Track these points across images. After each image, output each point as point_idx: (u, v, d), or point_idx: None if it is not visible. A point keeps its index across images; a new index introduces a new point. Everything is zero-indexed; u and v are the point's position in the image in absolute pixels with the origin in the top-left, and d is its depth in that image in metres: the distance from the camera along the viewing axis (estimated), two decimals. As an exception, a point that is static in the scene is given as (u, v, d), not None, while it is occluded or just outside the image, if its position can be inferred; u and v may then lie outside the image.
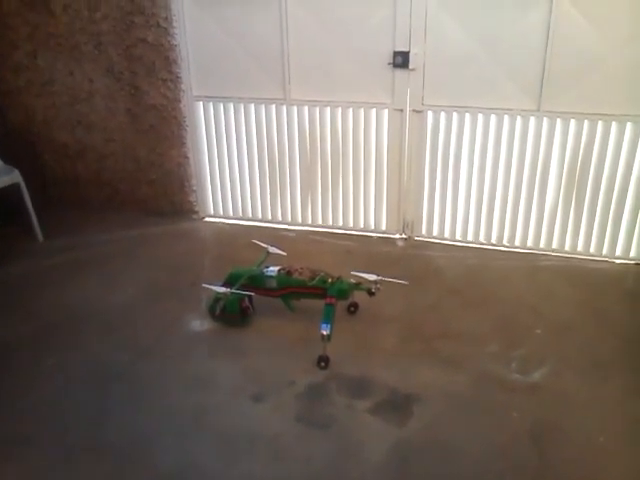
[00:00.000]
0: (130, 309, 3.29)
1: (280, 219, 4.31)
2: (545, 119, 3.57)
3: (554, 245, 3.83)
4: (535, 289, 3.44)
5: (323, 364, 2.74)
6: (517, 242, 3.89)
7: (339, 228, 4.21)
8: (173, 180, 4.36)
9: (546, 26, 3.36)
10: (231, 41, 3.89)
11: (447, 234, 4.01)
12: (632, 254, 3.71)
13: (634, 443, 2.33)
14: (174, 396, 2.63)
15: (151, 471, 2.23)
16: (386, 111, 3.81)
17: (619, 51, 3.32)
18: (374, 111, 3.84)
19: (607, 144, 3.52)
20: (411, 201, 4.00)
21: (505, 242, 3.91)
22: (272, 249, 3.25)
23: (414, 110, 3.76)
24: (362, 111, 3.86)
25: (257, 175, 4.25)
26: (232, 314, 3.04)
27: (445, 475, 2.20)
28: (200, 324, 3.14)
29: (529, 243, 3.87)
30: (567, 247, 3.81)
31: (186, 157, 4.27)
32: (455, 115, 3.71)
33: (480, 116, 3.67)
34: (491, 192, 3.82)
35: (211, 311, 3.10)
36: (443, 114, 3.73)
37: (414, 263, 3.77)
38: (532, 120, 3.59)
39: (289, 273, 3.00)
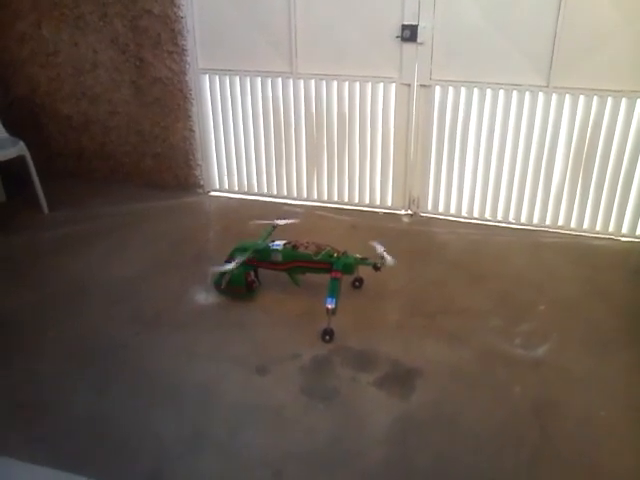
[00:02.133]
0: (134, 282, 3.30)
1: (286, 194, 4.30)
2: (554, 95, 3.54)
3: (560, 222, 3.81)
4: (540, 266, 3.44)
5: (328, 337, 2.76)
6: (523, 219, 3.87)
7: (345, 203, 4.19)
8: (178, 154, 4.34)
9: (557, -1, 3.31)
10: (238, 13, 3.85)
11: (453, 210, 4.00)
12: (638, 232, 3.70)
13: (635, 419, 2.34)
14: (178, 368, 2.64)
15: (155, 441, 2.26)
16: (393, 86, 3.78)
17: (631, 26, 3.27)
18: (381, 85, 3.80)
19: (616, 121, 3.49)
20: (417, 177, 3.99)
21: (511, 219, 3.90)
22: (279, 221, 3.26)
23: (422, 85, 3.73)
24: (369, 85, 3.82)
25: (263, 149, 4.23)
26: (238, 287, 3.05)
27: (446, 449, 2.21)
28: (205, 297, 3.14)
29: (535, 220, 3.86)
30: (573, 224, 3.79)
31: (191, 131, 4.25)
32: (463, 90, 3.67)
33: (488, 91, 3.64)
34: (498, 168, 3.79)
35: (217, 284, 3.11)
36: (451, 89, 3.69)
37: (419, 239, 3.76)
38: (541, 96, 3.56)
39: (295, 247, 3.00)
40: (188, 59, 4.02)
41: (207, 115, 4.24)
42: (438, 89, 3.72)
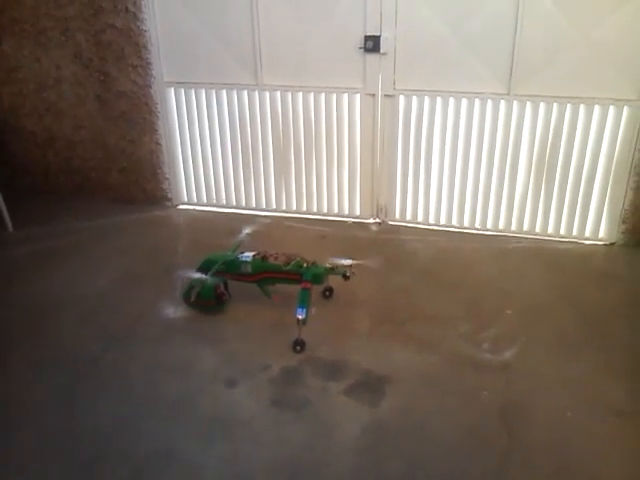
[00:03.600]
0: (104, 297, 3.26)
1: (254, 205, 4.30)
2: (515, 102, 3.61)
3: (525, 227, 3.88)
4: (506, 271, 3.49)
5: (299, 348, 2.76)
6: (489, 225, 3.94)
7: (313, 213, 4.21)
8: (145, 167, 4.32)
9: (515, 10, 3.38)
10: (201, 26, 3.85)
11: (420, 218, 4.04)
12: (601, 235, 3.79)
13: (602, 419, 2.39)
14: (149, 382, 2.62)
15: (127, 457, 2.24)
16: (358, 96, 3.82)
17: (586, 35, 3.36)
18: (346, 96, 3.84)
19: (575, 127, 3.58)
20: (384, 186, 4.02)
21: (477, 225, 3.95)
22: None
23: (386, 95, 3.77)
24: (334, 96, 3.86)
25: (230, 161, 4.22)
26: (207, 300, 3.04)
27: (416, 454, 2.23)
28: (174, 311, 3.12)
29: (500, 226, 3.92)
30: (538, 229, 3.87)
31: (158, 144, 4.23)
32: (427, 99, 3.73)
33: (451, 100, 3.69)
34: (463, 175, 3.85)
35: (185, 297, 3.09)
36: (415, 98, 3.74)
37: (387, 247, 3.79)
38: (502, 103, 3.63)
39: (264, 258, 3.00)
40: (153, 72, 4.01)
41: (173, 128, 4.22)
42: (402, 99, 3.76)
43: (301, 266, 2.94)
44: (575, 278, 3.41)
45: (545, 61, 3.47)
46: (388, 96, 3.77)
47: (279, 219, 4.19)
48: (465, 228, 3.98)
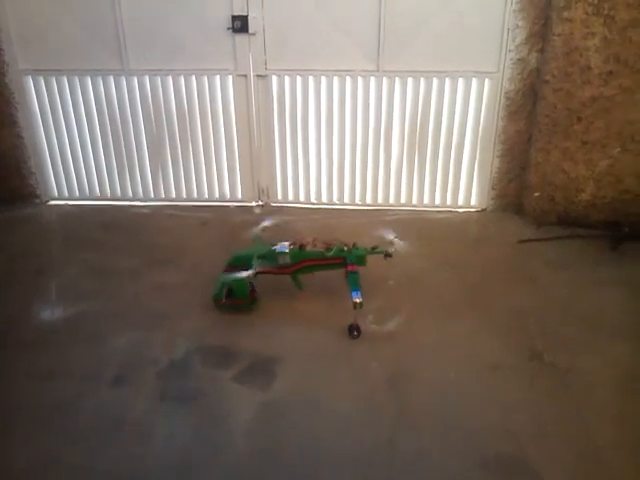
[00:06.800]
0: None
1: (131, 196, 4.13)
2: (384, 78, 3.69)
3: (402, 200, 4.01)
4: (384, 242, 3.57)
5: (355, 333, 2.71)
6: (368, 200, 4.03)
7: (194, 200, 4.12)
8: (8, 163, 4.01)
9: (377, -11, 3.46)
10: (55, 7, 3.61)
11: (302, 197, 4.06)
12: (473, 202, 3.98)
13: (480, 376, 2.52)
14: (28, 391, 2.46)
15: (4, 473, 2.09)
16: (230, 77, 3.76)
17: (442, 12, 3.49)
18: (218, 78, 3.77)
19: (443, 100, 3.72)
20: (264, 167, 4.00)
21: (357, 201, 4.04)
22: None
23: (258, 75, 3.74)
24: (206, 78, 3.78)
25: (101, 151, 4.03)
26: (242, 299, 2.87)
27: (311, 431, 2.25)
28: (50, 313, 2.95)
29: (379, 200, 4.02)
30: (414, 201, 4.00)
31: (20, 137, 3.95)
32: (299, 78, 3.73)
33: (323, 78, 3.72)
34: (340, 153, 3.91)
35: (217, 299, 2.88)
36: (287, 78, 3.74)
37: (271, 228, 3.77)
38: (373, 80, 3.70)
39: (302, 247, 2.92)
40: (5, 59, 3.73)
41: (36, 120, 3.96)
42: (275, 79, 3.75)
43: (343, 250, 2.92)
44: (451, 245, 3.57)
45: (410, 37, 3.57)
46: (260, 76, 3.74)
47: (159, 208, 4.06)
48: (346, 204, 4.05)
